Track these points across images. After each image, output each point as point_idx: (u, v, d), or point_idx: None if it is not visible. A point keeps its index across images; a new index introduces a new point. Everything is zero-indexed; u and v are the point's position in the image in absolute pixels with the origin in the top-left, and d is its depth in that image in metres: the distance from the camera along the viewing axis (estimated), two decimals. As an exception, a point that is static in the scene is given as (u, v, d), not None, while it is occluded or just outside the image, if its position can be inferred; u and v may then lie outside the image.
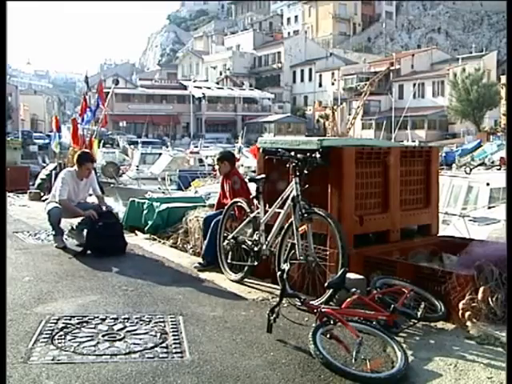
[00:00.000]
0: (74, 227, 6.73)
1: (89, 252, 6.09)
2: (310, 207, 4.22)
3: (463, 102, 47.74)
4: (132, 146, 38.69)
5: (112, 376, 2.95)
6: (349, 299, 3.61)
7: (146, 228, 7.34)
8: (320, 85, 67.97)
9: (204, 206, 7.09)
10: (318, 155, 4.29)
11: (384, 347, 3.26)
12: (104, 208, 6.54)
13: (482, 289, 3.67)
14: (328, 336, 3.23)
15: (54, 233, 6.61)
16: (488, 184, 12.71)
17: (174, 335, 3.54)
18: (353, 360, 3.05)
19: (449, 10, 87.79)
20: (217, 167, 6.35)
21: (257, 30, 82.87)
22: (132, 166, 27.01)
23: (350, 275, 3.94)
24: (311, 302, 3.73)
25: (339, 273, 3.80)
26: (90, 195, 7.02)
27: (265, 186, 4.77)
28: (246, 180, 5.73)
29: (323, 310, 3.41)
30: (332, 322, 3.29)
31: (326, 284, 3.87)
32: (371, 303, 3.66)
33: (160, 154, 28.03)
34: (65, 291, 4.57)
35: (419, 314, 3.67)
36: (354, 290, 3.65)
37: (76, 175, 6.60)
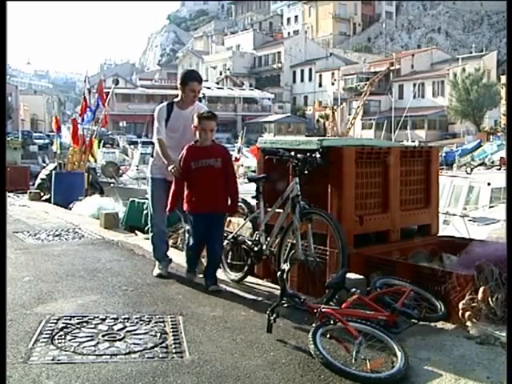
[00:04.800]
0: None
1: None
2: (310, 207, 4.22)
3: (463, 101, 47.80)
4: (132, 146, 38.71)
5: (112, 376, 2.95)
6: (349, 299, 3.61)
7: (146, 228, 7.33)
8: (320, 85, 68.00)
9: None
10: (318, 155, 4.29)
11: (384, 347, 3.26)
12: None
13: (481, 289, 3.66)
14: (328, 336, 3.23)
15: (157, 259, 5.19)
16: (489, 184, 12.74)
17: (173, 335, 3.54)
18: (353, 360, 3.05)
19: (449, 10, 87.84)
20: (206, 126, 4.55)
21: (257, 30, 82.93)
22: (132, 166, 26.99)
23: (350, 275, 3.93)
24: (311, 303, 3.72)
25: (339, 273, 3.81)
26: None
27: (265, 186, 4.76)
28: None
29: (323, 310, 3.41)
30: (332, 322, 3.29)
31: (326, 284, 3.88)
32: (371, 303, 3.66)
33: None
34: (65, 291, 4.57)
35: (419, 314, 3.67)
36: (353, 289, 3.65)
37: (177, 105, 4.99)
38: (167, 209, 4.67)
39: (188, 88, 4.88)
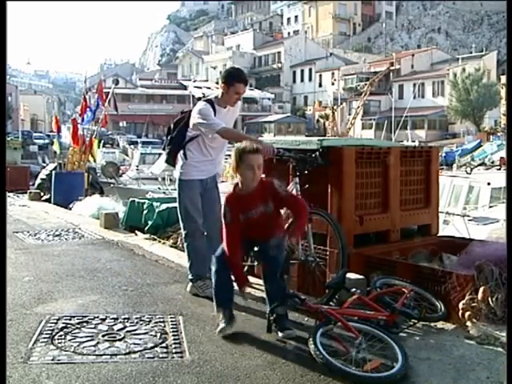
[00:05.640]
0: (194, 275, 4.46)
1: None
2: (310, 207, 4.22)
3: (463, 101, 47.83)
4: (132, 146, 38.72)
5: (112, 376, 2.95)
6: (349, 299, 3.61)
7: (146, 228, 7.34)
8: (320, 85, 68.02)
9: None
10: (318, 155, 4.29)
11: (384, 347, 3.26)
12: None
13: (481, 289, 3.67)
14: (328, 336, 3.23)
15: (191, 275, 4.49)
16: (489, 184, 12.76)
17: (174, 335, 3.54)
18: (353, 360, 3.05)
19: (449, 10, 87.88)
20: (254, 162, 3.52)
21: (257, 30, 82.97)
22: (132, 166, 26.99)
23: (350, 275, 3.93)
24: (311, 303, 3.72)
25: (339, 273, 3.81)
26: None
27: None
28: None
29: (323, 309, 3.41)
30: (332, 322, 3.29)
31: (326, 284, 3.88)
32: (371, 303, 3.66)
33: (160, 153, 27.96)
34: (65, 291, 4.57)
35: (419, 314, 3.67)
36: (354, 289, 3.65)
37: (218, 102, 4.41)
38: (237, 286, 3.68)
39: (233, 89, 4.35)
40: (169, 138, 4.63)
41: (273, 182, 3.68)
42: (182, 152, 4.50)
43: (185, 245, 4.58)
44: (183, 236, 4.59)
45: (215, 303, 3.66)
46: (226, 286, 3.62)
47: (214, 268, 3.64)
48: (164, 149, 4.74)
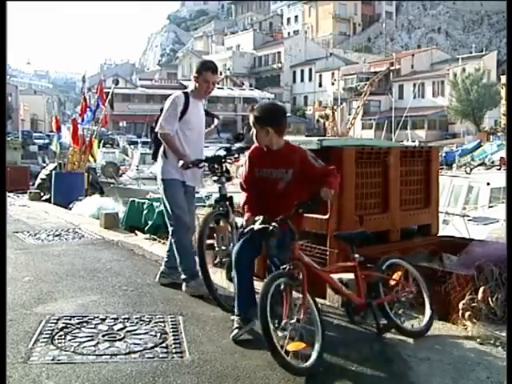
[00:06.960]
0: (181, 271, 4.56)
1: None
2: None
3: (463, 101, 47.83)
4: (132, 146, 38.71)
5: (112, 376, 2.95)
6: (344, 263, 3.55)
7: (145, 228, 7.34)
8: (320, 85, 68.01)
9: (204, 207, 7.08)
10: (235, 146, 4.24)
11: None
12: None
13: (482, 289, 3.67)
14: (281, 288, 3.10)
15: (184, 274, 4.51)
16: (488, 184, 12.75)
17: (174, 335, 3.54)
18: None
19: (449, 10, 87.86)
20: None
21: (257, 30, 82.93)
22: (132, 166, 26.99)
23: (348, 275, 3.91)
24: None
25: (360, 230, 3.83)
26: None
27: None
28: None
29: (304, 260, 3.23)
30: (291, 279, 3.10)
31: (336, 234, 3.95)
32: (359, 281, 3.47)
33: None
34: (65, 291, 4.57)
35: (398, 322, 3.52)
36: (357, 256, 3.48)
37: (193, 95, 4.53)
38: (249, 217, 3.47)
39: (202, 78, 4.44)
40: (153, 135, 4.71)
41: (306, 150, 3.49)
42: (161, 150, 4.55)
43: (172, 241, 4.58)
44: (170, 233, 4.60)
45: (238, 317, 3.50)
46: (249, 295, 3.56)
47: (234, 274, 3.56)
48: (150, 147, 4.87)
